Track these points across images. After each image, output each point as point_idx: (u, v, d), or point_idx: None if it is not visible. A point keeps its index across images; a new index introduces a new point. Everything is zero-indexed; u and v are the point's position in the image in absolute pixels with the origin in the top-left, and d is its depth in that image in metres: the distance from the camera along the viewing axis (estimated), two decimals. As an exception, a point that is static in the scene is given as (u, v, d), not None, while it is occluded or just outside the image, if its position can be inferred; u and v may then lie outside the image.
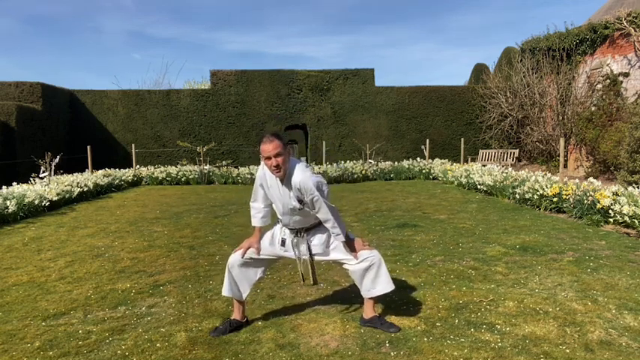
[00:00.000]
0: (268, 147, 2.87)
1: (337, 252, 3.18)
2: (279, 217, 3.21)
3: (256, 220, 3.24)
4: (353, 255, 3.12)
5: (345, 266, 3.21)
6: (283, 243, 3.20)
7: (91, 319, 3.45)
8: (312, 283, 3.33)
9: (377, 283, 3.13)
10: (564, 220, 6.91)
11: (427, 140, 15.81)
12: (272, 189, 3.08)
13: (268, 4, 65.83)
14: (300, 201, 2.99)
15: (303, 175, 2.92)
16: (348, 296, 3.79)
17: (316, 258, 3.21)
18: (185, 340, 3.05)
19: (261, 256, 3.23)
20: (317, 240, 3.17)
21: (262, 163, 3.05)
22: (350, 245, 3.13)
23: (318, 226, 3.17)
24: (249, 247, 3.19)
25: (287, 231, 3.19)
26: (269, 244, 3.23)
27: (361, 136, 16.97)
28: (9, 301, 3.86)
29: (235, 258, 3.20)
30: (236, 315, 3.26)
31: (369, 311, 3.24)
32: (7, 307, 3.71)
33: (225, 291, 3.23)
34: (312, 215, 3.10)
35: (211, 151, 15.81)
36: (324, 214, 3.01)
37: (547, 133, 14.89)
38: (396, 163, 15.19)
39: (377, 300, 3.33)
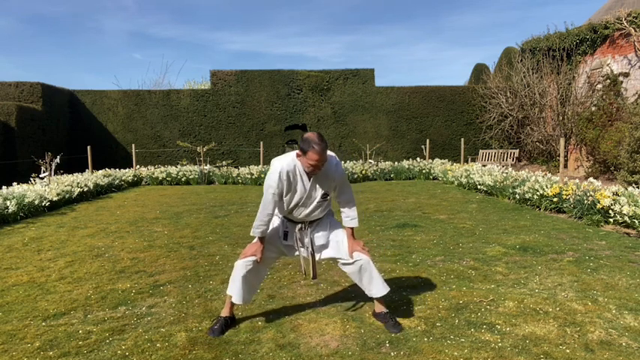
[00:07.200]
0: (322, 157, 2.88)
1: (334, 249, 3.24)
2: (286, 210, 3.18)
3: (265, 230, 3.12)
4: (349, 251, 3.18)
5: (340, 265, 3.29)
6: (285, 236, 3.23)
7: (91, 319, 3.45)
8: (311, 277, 3.35)
9: (372, 285, 3.20)
10: (564, 220, 6.91)
11: (427, 140, 15.82)
12: (295, 184, 3.03)
13: (268, 4, 65.85)
14: (326, 193, 3.10)
15: (333, 164, 3.07)
16: (348, 296, 3.80)
17: (316, 255, 3.25)
18: (185, 340, 3.05)
19: (270, 255, 3.27)
20: (320, 234, 3.24)
21: (277, 169, 2.97)
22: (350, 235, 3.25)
23: (319, 220, 3.25)
24: (255, 254, 3.14)
25: (290, 224, 3.23)
26: (274, 241, 3.24)
27: (361, 136, 16.97)
28: (9, 301, 3.86)
29: (243, 264, 3.12)
30: (226, 312, 3.25)
31: (379, 306, 3.30)
32: (7, 307, 3.71)
33: (238, 299, 3.15)
34: (321, 208, 3.17)
35: (211, 151, 15.81)
36: (349, 194, 3.21)
37: (547, 133, 14.89)
38: (396, 163, 15.19)
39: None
